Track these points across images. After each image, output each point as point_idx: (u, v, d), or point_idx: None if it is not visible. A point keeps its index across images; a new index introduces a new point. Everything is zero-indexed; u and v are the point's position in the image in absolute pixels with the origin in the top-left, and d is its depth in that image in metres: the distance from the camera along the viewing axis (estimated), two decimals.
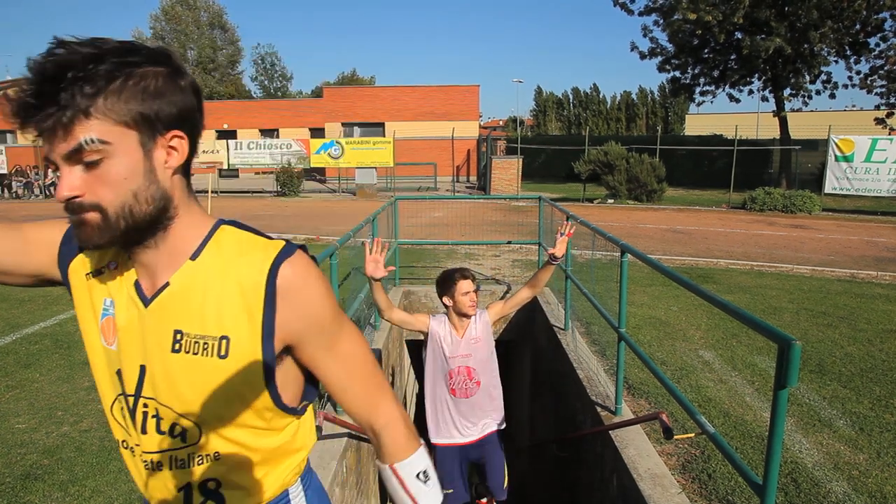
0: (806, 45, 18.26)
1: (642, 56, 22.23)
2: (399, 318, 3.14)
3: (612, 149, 18.33)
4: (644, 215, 15.09)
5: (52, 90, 0.75)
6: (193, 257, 0.91)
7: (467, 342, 3.20)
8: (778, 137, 21.42)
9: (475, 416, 3.28)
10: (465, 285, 3.15)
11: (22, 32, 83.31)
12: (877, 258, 9.10)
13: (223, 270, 0.89)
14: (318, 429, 2.66)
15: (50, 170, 22.04)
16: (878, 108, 20.38)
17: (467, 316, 3.18)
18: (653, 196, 17.83)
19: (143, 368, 0.92)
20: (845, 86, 20.66)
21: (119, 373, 0.94)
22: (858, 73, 19.84)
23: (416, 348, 5.61)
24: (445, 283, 3.21)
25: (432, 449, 3.20)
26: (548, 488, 5.32)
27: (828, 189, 15.99)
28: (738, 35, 19.73)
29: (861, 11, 17.43)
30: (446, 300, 3.21)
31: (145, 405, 0.92)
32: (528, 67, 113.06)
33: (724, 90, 22.10)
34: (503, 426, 3.39)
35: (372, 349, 1.08)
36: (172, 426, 0.92)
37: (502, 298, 3.94)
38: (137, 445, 0.95)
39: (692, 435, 3.01)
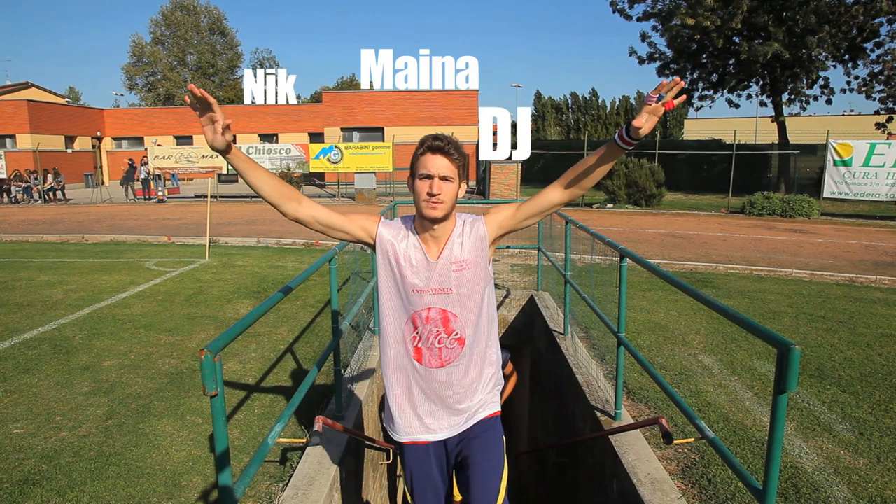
0: (804, 51, 18.34)
1: (641, 61, 22.32)
2: (315, 216, 1.95)
3: None
4: (643, 220, 15.11)
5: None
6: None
7: (445, 267, 1.94)
8: (777, 142, 21.49)
9: (455, 399, 2.04)
10: (431, 162, 1.87)
11: (21, 37, 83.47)
12: (875, 262, 9.11)
13: None
14: (317, 434, 2.66)
15: (49, 174, 22.06)
16: (877, 112, 20.47)
17: (430, 219, 1.90)
18: (652, 201, 17.86)
19: None
20: (843, 90, 20.74)
21: None
22: (856, 77, 19.94)
23: None
24: (413, 155, 1.94)
25: (399, 446, 2.18)
26: (547, 493, 5.30)
27: (826, 193, 16.03)
28: (737, 40, 19.81)
29: (858, 17, 17.51)
30: (410, 182, 1.96)
31: None
32: (526, 72, 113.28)
33: (722, 95, 22.20)
34: (499, 408, 2.17)
35: None
36: None
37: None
38: None
39: (692, 440, 3.01)
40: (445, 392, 2.04)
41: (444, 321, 1.97)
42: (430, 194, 1.85)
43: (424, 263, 1.95)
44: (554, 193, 1.93)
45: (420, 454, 2.13)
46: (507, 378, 3.52)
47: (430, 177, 1.86)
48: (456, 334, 1.99)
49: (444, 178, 1.86)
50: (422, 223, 1.95)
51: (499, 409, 2.16)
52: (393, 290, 2.00)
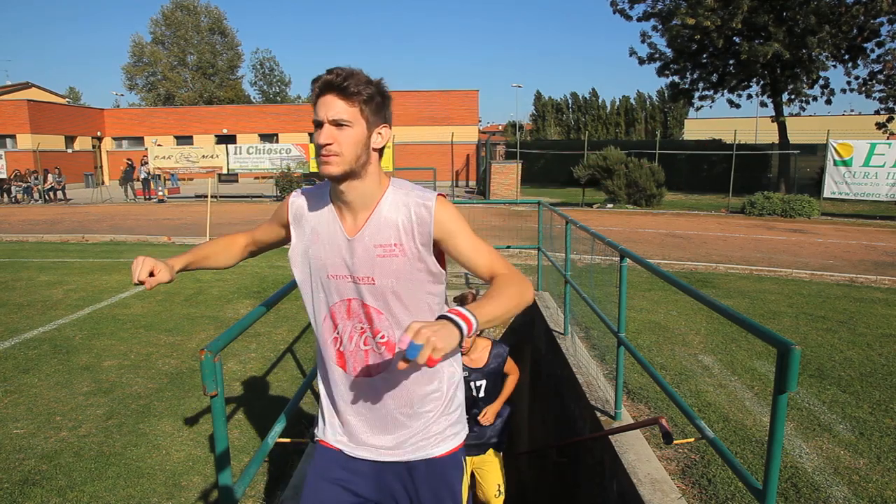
0: (804, 51, 18.34)
1: (641, 61, 22.31)
2: (255, 240, 1.80)
3: (611, 153, 18.38)
4: (643, 220, 15.10)
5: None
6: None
7: (366, 250, 1.52)
8: (777, 142, 21.49)
9: (384, 420, 1.63)
10: (320, 105, 1.58)
11: (21, 37, 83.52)
12: (875, 262, 9.11)
13: None
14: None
15: (50, 174, 22.06)
16: (877, 112, 20.47)
17: (329, 178, 1.53)
18: (652, 201, 17.85)
19: None
20: (843, 90, 20.75)
21: None
22: (857, 77, 19.93)
23: None
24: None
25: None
26: (547, 493, 5.30)
27: (826, 193, 16.03)
28: (737, 40, 19.81)
29: (858, 16, 17.50)
30: None
31: None
32: (527, 72, 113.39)
33: (723, 95, 22.19)
34: (457, 444, 1.69)
35: None
36: None
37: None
38: None
39: (692, 440, 3.01)
40: (372, 410, 1.62)
41: (368, 318, 1.57)
42: (320, 145, 1.46)
43: (341, 241, 1.55)
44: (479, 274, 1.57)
45: (336, 462, 1.69)
46: (505, 376, 3.53)
47: (320, 124, 1.47)
48: (382, 336, 1.58)
49: (336, 124, 1.46)
50: (334, 188, 1.55)
51: (457, 444, 1.70)
52: (308, 275, 1.63)
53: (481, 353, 3.43)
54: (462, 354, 3.29)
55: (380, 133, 1.51)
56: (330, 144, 1.44)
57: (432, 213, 1.49)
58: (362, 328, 1.59)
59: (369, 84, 1.46)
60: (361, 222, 1.53)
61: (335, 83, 1.44)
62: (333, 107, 1.45)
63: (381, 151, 1.55)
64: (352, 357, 1.61)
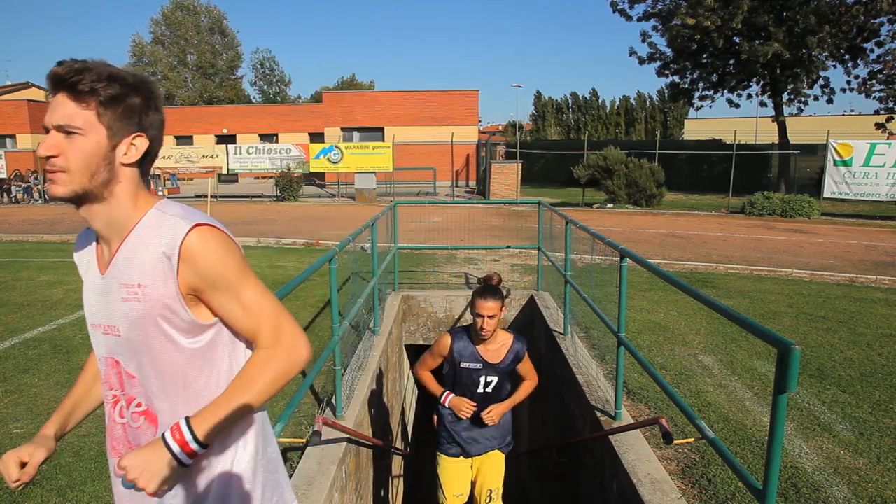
0: (804, 51, 18.34)
1: (641, 61, 22.32)
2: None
3: (611, 153, 18.38)
4: (643, 220, 15.10)
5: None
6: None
7: (114, 290, 1.19)
8: (777, 142, 21.49)
9: None
10: (48, 108, 1.14)
11: (22, 37, 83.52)
12: (875, 262, 9.11)
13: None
14: (317, 433, 2.66)
15: None
16: (877, 112, 20.47)
17: (57, 199, 1.20)
18: (652, 201, 17.85)
19: None
20: (843, 90, 20.76)
21: None
22: (857, 77, 19.94)
23: (416, 353, 5.60)
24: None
25: None
26: (548, 493, 5.30)
27: (826, 193, 16.02)
28: (737, 40, 19.82)
29: (858, 16, 17.51)
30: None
31: None
32: (527, 72, 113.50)
33: (722, 95, 22.20)
34: None
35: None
36: None
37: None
38: None
39: (692, 440, 3.01)
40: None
41: (120, 380, 1.24)
42: (42, 158, 1.13)
43: (96, 281, 1.24)
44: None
45: None
46: (520, 378, 3.35)
47: (48, 130, 1.13)
48: (139, 405, 1.24)
49: (63, 131, 1.11)
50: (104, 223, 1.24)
51: None
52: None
53: (500, 348, 3.15)
54: (480, 343, 3.13)
55: (133, 144, 1.17)
56: (54, 157, 1.11)
57: (177, 248, 1.13)
58: (115, 395, 1.25)
59: (113, 81, 1.11)
60: (112, 255, 1.20)
61: (63, 78, 1.09)
62: (60, 108, 1.10)
63: (141, 166, 1.21)
64: (110, 434, 1.29)
